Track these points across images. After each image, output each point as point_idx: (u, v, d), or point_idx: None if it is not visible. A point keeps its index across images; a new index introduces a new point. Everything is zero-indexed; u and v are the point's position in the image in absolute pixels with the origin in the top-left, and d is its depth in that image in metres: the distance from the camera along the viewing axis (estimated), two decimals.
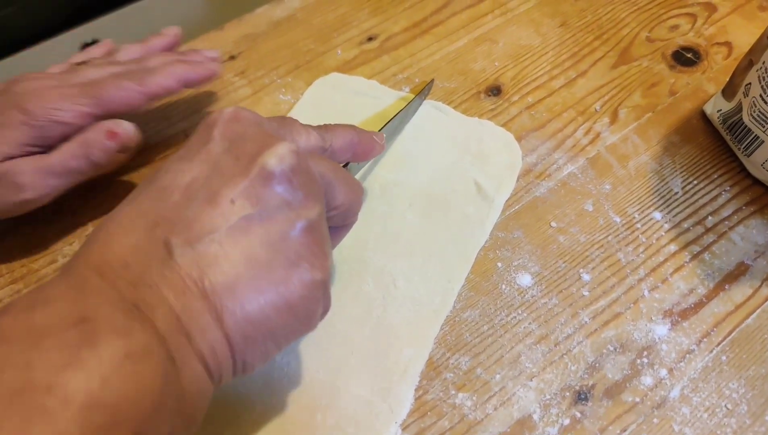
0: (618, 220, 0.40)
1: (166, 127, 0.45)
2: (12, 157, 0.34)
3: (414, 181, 0.41)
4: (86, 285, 0.23)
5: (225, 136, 0.26)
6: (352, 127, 0.35)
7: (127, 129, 0.35)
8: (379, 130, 0.39)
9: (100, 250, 0.24)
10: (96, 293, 0.22)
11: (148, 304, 0.23)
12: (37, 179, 0.34)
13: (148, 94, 0.36)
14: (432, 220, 0.40)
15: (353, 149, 0.34)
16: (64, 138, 0.35)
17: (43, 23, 0.68)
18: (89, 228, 0.40)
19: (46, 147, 0.35)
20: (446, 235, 0.39)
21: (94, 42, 0.52)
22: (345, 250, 0.38)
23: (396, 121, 0.41)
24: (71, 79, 0.36)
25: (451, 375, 0.34)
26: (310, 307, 0.26)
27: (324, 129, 0.33)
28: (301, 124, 0.31)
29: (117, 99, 0.35)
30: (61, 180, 0.35)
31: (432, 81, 0.45)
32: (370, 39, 0.49)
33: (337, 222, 0.30)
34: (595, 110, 0.45)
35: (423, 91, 0.44)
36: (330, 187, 0.28)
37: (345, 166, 0.36)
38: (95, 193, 0.41)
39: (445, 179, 0.42)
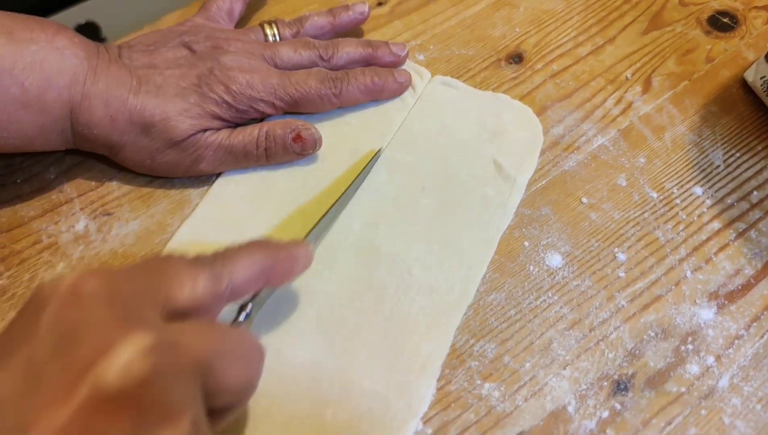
0: (655, 195, 0.37)
1: None
2: (204, 130, 0.35)
3: (426, 162, 0.38)
4: None
5: (54, 328, 0.19)
6: (262, 246, 0.27)
7: (313, 134, 0.36)
8: (305, 237, 0.32)
9: None
10: None
11: None
12: (217, 156, 0.35)
13: (341, 106, 0.38)
14: (449, 203, 0.36)
15: (266, 277, 0.27)
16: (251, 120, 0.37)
17: (37, 3, 0.65)
18: (76, 205, 0.36)
19: (233, 124, 0.36)
20: (465, 220, 0.36)
21: (87, 24, 0.48)
22: (353, 237, 0.35)
23: (329, 218, 0.34)
24: (272, 59, 0.37)
25: (476, 363, 0.31)
26: None
27: (221, 261, 0.26)
28: (188, 264, 0.24)
29: (312, 105, 0.37)
30: (236, 163, 0.36)
31: (380, 150, 0.37)
32: (380, 4, 0.46)
33: (227, 402, 0.23)
34: (626, 78, 0.42)
35: (369, 164, 0.37)
36: (212, 372, 0.21)
37: None
38: (82, 172, 0.37)
39: (460, 160, 0.38)
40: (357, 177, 0.36)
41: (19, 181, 0.37)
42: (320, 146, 0.37)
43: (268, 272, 0.27)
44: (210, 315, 0.25)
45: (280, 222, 0.36)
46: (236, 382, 0.22)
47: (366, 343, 0.32)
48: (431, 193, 0.37)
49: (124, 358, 0.18)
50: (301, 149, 0.36)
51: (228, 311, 0.28)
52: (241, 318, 0.29)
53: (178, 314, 0.23)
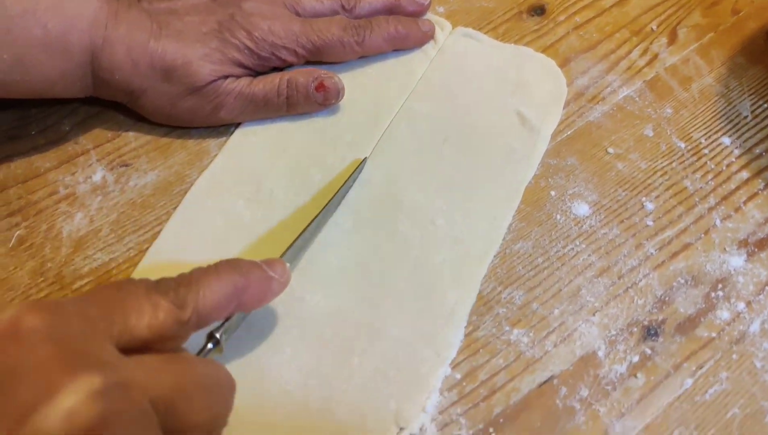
0: (682, 145, 0.36)
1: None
2: (225, 77, 0.34)
3: (448, 113, 0.37)
4: None
5: None
6: (232, 267, 0.25)
7: (336, 83, 0.35)
8: (282, 255, 0.29)
9: None
10: None
11: None
12: (238, 104, 0.35)
13: (363, 54, 0.37)
14: (472, 155, 0.36)
15: (237, 301, 0.25)
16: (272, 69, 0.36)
17: None
18: (92, 157, 0.36)
19: (254, 73, 0.36)
20: (489, 171, 0.35)
21: None
22: (375, 189, 0.34)
23: (309, 234, 0.31)
24: (294, 8, 0.36)
25: (504, 310, 0.31)
26: None
27: (186, 285, 0.23)
28: (148, 289, 0.22)
29: (334, 53, 0.36)
30: (257, 112, 0.35)
31: (364, 159, 0.35)
32: None
33: None
34: (651, 30, 0.41)
35: (354, 174, 0.34)
36: (173, 411, 0.20)
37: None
38: (97, 123, 0.37)
39: (483, 111, 0.37)
40: (340, 188, 0.33)
41: (34, 133, 0.36)
42: (343, 96, 0.36)
43: (239, 295, 0.24)
44: (174, 344, 0.23)
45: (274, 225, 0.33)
46: (202, 418, 0.21)
47: (391, 293, 0.31)
48: (454, 145, 0.36)
49: (68, 403, 0.16)
50: (324, 99, 0.35)
51: (197, 337, 0.25)
52: (209, 346, 0.25)
53: (138, 346, 0.21)
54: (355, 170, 0.34)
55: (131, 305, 0.21)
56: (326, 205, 0.32)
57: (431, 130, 0.37)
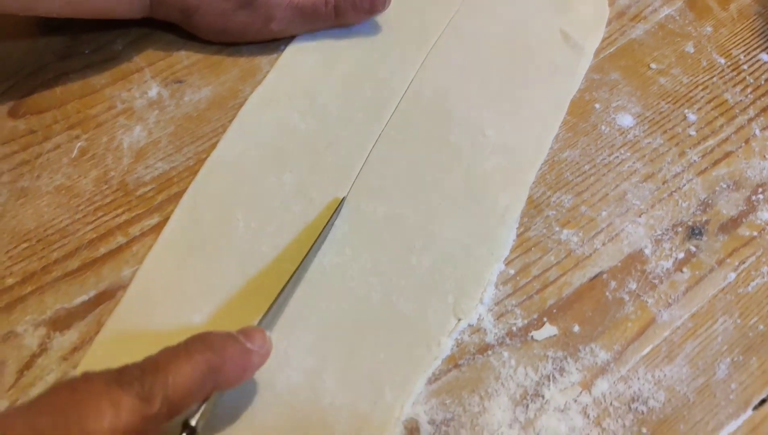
0: (722, 61, 0.37)
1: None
2: None
3: (493, 30, 0.38)
4: None
5: None
6: (203, 345, 0.22)
7: None
8: (259, 323, 0.26)
9: None
10: None
11: None
12: (287, 15, 0.35)
13: None
14: (518, 69, 0.37)
15: (212, 382, 0.22)
16: None
17: None
18: (147, 74, 0.36)
19: None
20: (535, 84, 0.36)
21: None
22: (425, 102, 0.35)
23: (287, 293, 0.28)
24: None
25: (554, 212, 0.32)
26: None
27: (152, 373, 0.20)
28: (107, 385, 0.20)
29: None
30: (306, 23, 0.36)
31: (343, 199, 0.32)
32: None
33: None
34: None
35: (332, 218, 0.31)
36: None
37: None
38: (149, 43, 0.37)
39: (527, 28, 0.38)
40: (318, 237, 0.30)
41: (87, 51, 0.37)
42: (389, 4, 0.36)
43: (214, 375, 0.22)
44: None
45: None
46: None
47: (445, 198, 0.33)
48: (499, 60, 0.37)
49: None
50: (371, 5, 0.36)
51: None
52: None
53: None
54: (333, 213, 0.31)
55: (88, 407, 0.19)
56: (304, 257, 0.29)
57: (478, 47, 0.37)
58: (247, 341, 0.23)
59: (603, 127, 0.35)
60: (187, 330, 0.24)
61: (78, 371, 0.26)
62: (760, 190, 0.33)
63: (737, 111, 0.35)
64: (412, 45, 0.37)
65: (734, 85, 0.36)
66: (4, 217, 0.31)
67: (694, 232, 0.31)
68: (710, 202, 0.32)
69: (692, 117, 0.35)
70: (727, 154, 0.34)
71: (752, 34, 0.38)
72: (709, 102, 0.35)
